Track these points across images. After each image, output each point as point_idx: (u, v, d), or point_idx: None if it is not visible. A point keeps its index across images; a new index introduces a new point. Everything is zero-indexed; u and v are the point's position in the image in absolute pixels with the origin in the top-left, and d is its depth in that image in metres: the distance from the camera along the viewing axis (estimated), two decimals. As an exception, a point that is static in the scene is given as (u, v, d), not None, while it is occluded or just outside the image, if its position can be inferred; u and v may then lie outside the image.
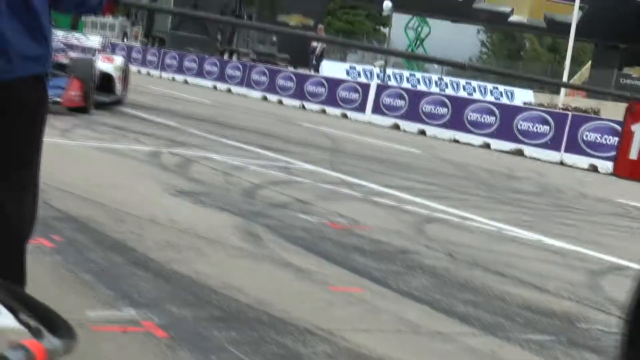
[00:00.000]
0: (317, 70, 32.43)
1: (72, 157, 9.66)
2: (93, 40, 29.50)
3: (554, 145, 19.66)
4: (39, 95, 3.43)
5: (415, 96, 24.00)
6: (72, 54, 16.42)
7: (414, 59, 38.60)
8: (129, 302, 4.65)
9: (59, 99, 13.98)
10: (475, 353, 4.62)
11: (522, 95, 36.63)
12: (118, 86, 16.72)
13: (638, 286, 0.90)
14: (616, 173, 17.76)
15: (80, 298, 4.62)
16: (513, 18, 52.93)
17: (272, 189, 9.28)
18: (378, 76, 31.90)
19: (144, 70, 36.15)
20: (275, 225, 7.19)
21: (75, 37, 29.34)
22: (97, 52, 16.24)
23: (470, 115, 21.80)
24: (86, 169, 9.08)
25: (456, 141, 21.59)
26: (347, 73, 35.35)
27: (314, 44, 33.35)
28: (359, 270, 6.05)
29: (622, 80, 51.77)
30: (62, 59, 14.99)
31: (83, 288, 4.80)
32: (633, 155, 17.60)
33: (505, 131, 20.76)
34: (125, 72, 17.26)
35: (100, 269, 5.20)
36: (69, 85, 14.39)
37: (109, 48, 31.75)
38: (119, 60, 17.59)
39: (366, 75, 34.70)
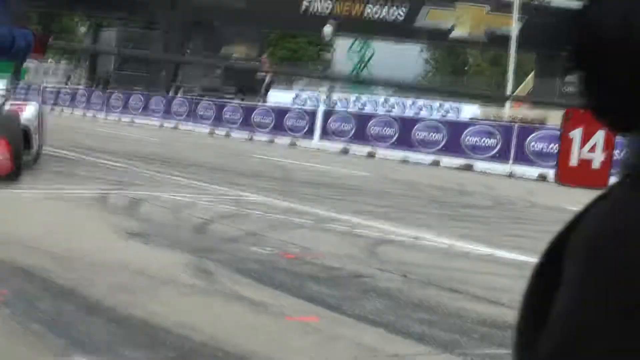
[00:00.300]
0: (265, 100, 32.50)
1: (16, 206, 9.55)
2: None
3: (502, 157, 19.83)
4: None
5: (363, 119, 24.12)
6: None
7: (357, 83, 38.77)
8: (81, 350, 4.59)
9: None
10: (433, 373, 4.62)
11: (469, 111, 36.89)
12: (35, 139, 13.87)
13: (532, 280, 0.89)
14: (560, 181, 17.75)
15: (31, 350, 4.56)
16: (454, 34, 53.37)
17: (222, 223, 9.24)
18: (324, 102, 32.00)
19: (89, 113, 35.94)
20: (227, 260, 7.16)
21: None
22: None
23: (418, 134, 21.93)
24: (32, 217, 8.97)
25: (406, 161, 21.68)
26: (294, 100, 35.44)
27: (262, 73, 33.45)
28: (314, 298, 6.03)
29: (565, 88, 52.32)
30: None
31: (33, 339, 4.73)
32: (574, 162, 17.64)
33: (453, 147, 20.91)
34: (40, 120, 14.51)
35: (50, 318, 5.13)
36: None
37: (18, 93, 30.72)
38: (31, 108, 14.35)
39: (312, 102, 34.78)
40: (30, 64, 43.87)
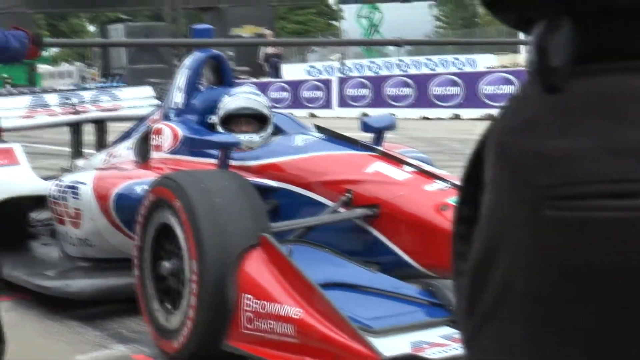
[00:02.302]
0: (275, 76, 32.40)
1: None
2: None
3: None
4: None
5: (377, 82, 24.05)
6: None
7: (360, 44, 38.57)
8: (118, 341, 4.64)
9: None
10: None
11: (485, 61, 36.72)
12: None
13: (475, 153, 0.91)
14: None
15: (70, 344, 4.62)
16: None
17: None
18: (339, 70, 31.90)
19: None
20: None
21: None
22: None
23: (435, 90, 21.84)
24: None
25: (426, 118, 21.61)
26: (309, 73, 35.35)
27: (266, 50, 33.25)
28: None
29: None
30: None
31: (71, 335, 4.78)
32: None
33: (471, 99, 20.82)
34: None
35: (86, 314, 5.18)
36: None
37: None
38: None
39: (327, 72, 34.70)
40: (40, 69, 43.80)
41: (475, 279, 0.85)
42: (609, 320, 0.75)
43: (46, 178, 6.23)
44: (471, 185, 0.90)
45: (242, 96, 5.45)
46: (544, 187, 0.77)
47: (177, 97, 5.80)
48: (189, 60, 5.90)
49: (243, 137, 5.24)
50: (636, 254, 0.73)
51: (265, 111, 5.47)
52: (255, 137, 5.31)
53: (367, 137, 5.20)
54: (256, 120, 5.42)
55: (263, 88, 27.98)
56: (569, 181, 0.76)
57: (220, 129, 5.39)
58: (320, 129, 5.25)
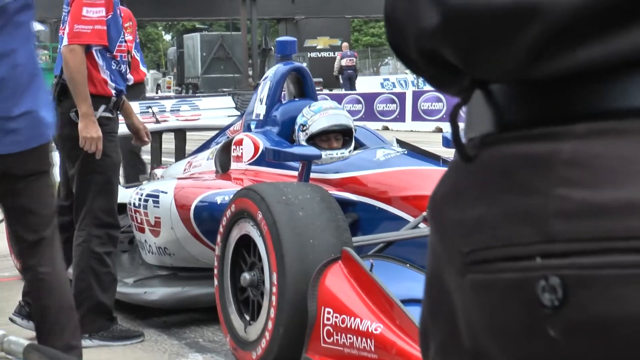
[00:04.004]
0: (349, 88, 32.40)
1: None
2: None
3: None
4: None
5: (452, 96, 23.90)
6: None
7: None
8: (195, 350, 4.66)
9: None
10: None
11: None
12: None
13: None
14: None
15: (147, 352, 4.65)
16: None
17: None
18: (413, 83, 31.84)
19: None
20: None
21: None
22: None
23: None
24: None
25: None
26: (382, 86, 35.34)
27: (341, 62, 33.23)
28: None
29: None
30: None
31: (148, 343, 4.82)
32: None
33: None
34: None
35: (163, 322, 5.21)
36: None
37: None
38: None
39: (401, 85, 34.66)
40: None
41: (425, 323, 0.96)
42: None
43: (127, 186, 6.29)
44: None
45: (330, 112, 5.44)
46: (464, 253, 0.83)
47: (259, 109, 5.82)
48: (271, 72, 5.92)
49: (335, 154, 5.24)
50: (532, 312, 0.78)
51: (352, 125, 5.48)
52: (345, 152, 5.30)
53: (447, 152, 5.17)
54: (342, 134, 5.42)
55: (337, 100, 28.01)
56: (479, 247, 0.81)
57: (303, 142, 5.39)
58: (401, 143, 5.23)
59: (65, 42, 4.63)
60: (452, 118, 0.88)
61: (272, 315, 4.02)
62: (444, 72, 0.89)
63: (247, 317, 4.35)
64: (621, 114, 0.78)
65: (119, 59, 4.81)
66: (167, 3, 44.41)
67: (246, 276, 4.32)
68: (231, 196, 4.61)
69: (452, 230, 0.85)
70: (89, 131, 4.55)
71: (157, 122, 6.97)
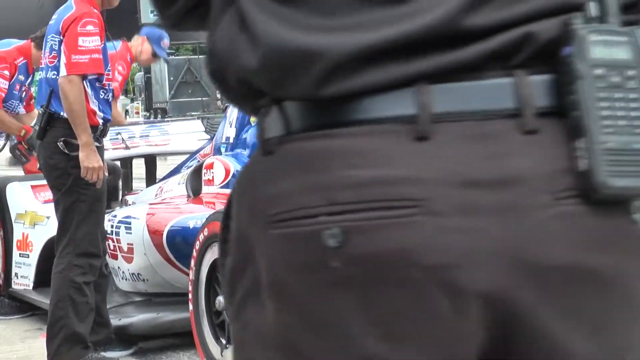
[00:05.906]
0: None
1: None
2: None
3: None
4: None
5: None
6: None
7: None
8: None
9: None
10: None
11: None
12: None
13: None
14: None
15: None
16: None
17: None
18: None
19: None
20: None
21: None
22: None
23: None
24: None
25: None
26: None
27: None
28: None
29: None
30: None
31: None
32: None
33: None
34: None
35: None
36: None
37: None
38: None
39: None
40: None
41: (234, 275, 1.23)
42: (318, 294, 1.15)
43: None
44: (227, 218, 1.27)
45: None
46: (269, 215, 1.15)
47: (229, 132, 5.82)
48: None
49: None
50: (320, 251, 1.12)
51: None
52: None
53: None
54: None
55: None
56: (280, 211, 1.14)
57: None
58: None
59: (63, 72, 4.63)
60: (260, 125, 1.22)
61: (248, 338, 4.01)
62: (253, 93, 1.21)
63: (224, 341, 4.35)
64: (368, 121, 1.14)
65: (107, 87, 4.83)
66: (134, 29, 44.23)
67: (221, 299, 4.31)
68: (203, 220, 4.61)
69: (262, 199, 1.17)
70: (91, 161, 4.55)
71: (127, 148, 6.96)
